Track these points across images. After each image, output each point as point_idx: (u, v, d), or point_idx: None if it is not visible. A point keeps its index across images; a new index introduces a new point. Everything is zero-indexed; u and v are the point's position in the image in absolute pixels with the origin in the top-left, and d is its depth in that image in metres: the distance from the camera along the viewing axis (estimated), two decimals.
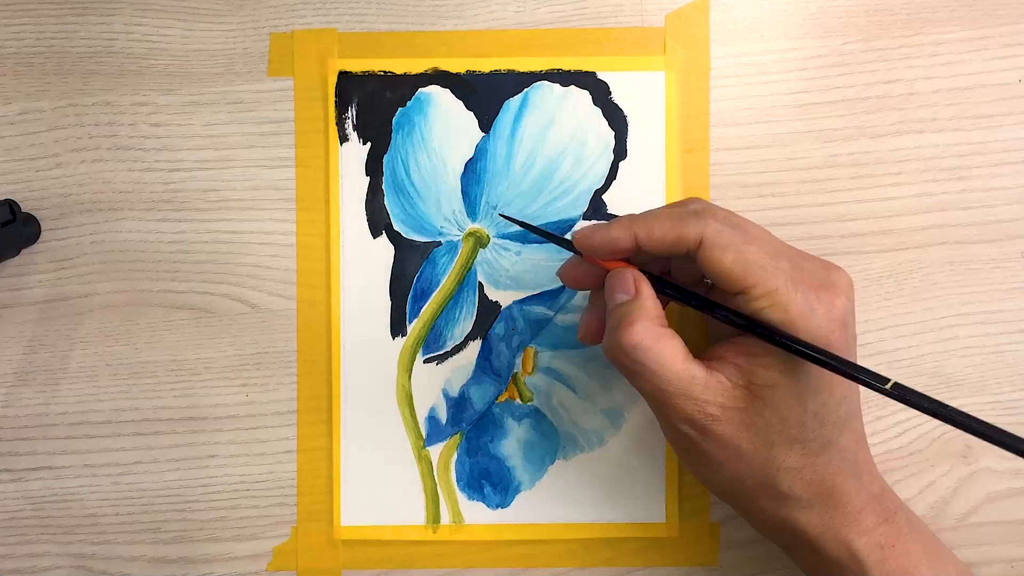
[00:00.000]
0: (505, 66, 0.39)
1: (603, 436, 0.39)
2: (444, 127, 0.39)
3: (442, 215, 0.40)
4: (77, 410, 0.40)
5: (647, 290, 0.31)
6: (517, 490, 0.40)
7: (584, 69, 0.39)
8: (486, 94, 0.39)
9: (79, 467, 0.40)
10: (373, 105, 0.40)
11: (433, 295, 0.40)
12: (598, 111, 0.39)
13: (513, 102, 0.39)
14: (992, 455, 0.39)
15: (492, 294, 0.40)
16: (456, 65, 0.39)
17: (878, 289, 0.39)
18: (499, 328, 0.40)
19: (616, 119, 0.39)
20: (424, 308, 0.40)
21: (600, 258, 0.33)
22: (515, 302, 0.39)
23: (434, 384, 0.40)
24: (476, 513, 0.40)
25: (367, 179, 0.40)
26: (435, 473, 0.40)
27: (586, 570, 0.40)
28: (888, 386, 0.28)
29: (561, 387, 0.39)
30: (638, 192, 0.39)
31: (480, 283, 0.40)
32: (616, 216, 0.39)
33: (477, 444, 0.40)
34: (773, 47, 0.40)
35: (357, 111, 0.40)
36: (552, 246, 0.39)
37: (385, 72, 0.40)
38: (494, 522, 0.39)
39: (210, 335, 0.40)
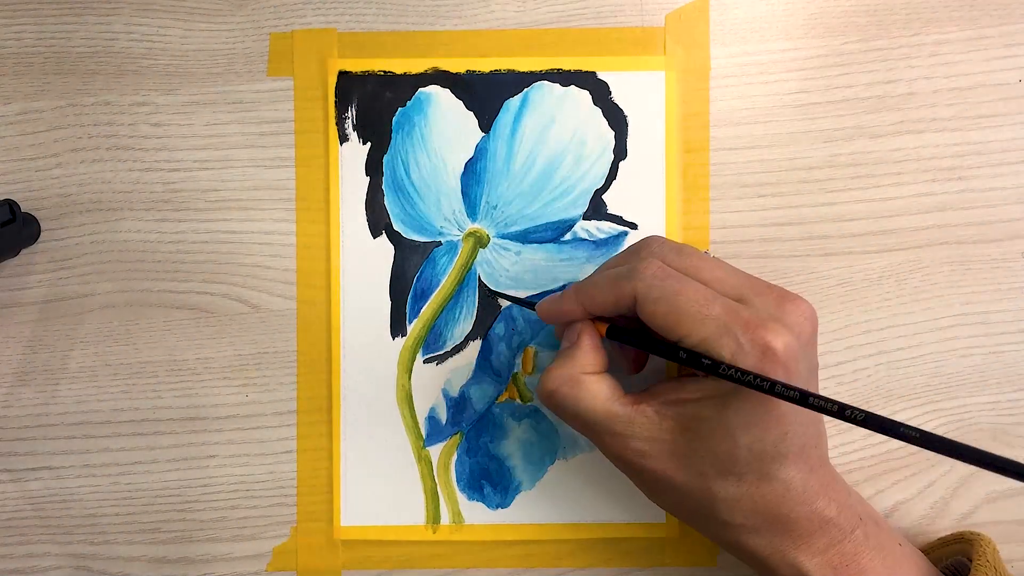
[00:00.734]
0: (505, 66, 0.39)
1: None
2: (444, 127, 0.39)
3: (442, 215, 0.40)
4: (77, 410, 0.40)
5: (586, 341, 0.33)
6: (517, 490, 0.40)
7: (584, 69, 0.39)
8: (486, 94, 0.39)
9: (79, 467, 0.40)
10: (373, 105, 0.40)
11: (433, 295, 0.40)
12: (598, 111, 0.39)
13: (513, 102, 0.39)
14: None
15: (492, 294, 0.40)
16: (456, 65, 0.39)
17: (878, 289, 0.39)
18: (499, 328, 0.40)
19: (616, 119, 0.39)
20: (424, 308, 0.40)
21: (556, 323, 0.35)
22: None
23: (434, 384, 0.40)
24: (476, 513, 0.40)
25: (367, 179, 0.40)
26: (435, 473, 0.40)
27: (586, 570, 0.40)
28: (836, 410, 0.28)
29: None
30: (638, 192, 0.39)
31: (480, 283, 0.40)
32: (616, 216, 0.39)
33: (477, 444, 0.40)
34: (773, 47, 0.40)
35: (357, 111, 0.40)
36: (553, 246, 0.39)
37: (385, 72, 0.40)
38: (494, 522, 0.39)
39: (210, 335, 0.40)
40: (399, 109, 0.40)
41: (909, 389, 0.39)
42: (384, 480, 0.40)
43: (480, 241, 0.40)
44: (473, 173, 0.39)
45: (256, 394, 0.40)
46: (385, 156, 0.40)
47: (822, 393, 0.30)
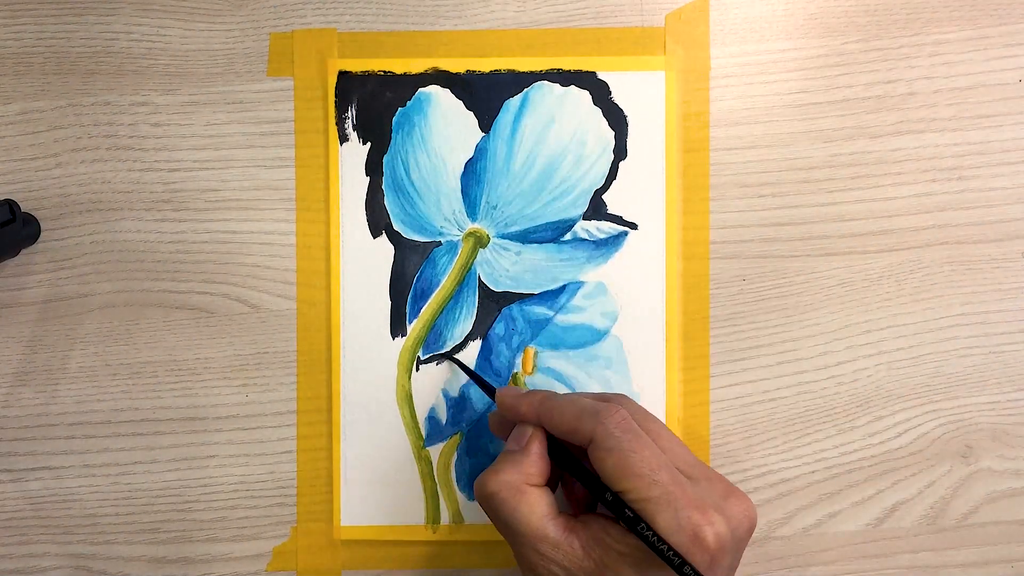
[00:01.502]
0: (505, 66, 0.39)
1: None
2: (444, 127, 0.39)
3: (442, 215, 0.40)
4: (77, 410, 0.40)
5: (536, 449, 0.33)
6: None
7: (584, 69, 0.39)
8: (486, 94, 0.39)
9: (79, 467, 0.40)
10: (373, 105, 0.40)
11: (433, 295, 0.40)
12: (598, 111, 0.39)
13: (513, 102, 0.39)
14: (992, 455, 0.39)
15: (492, 294, 0.40)
16: (456, 65, 0.39)
17: (878, 289, 0.39)
18: (499, 328, 0.40)
19: (616, 119, 0.39)
20: (424, 308, 0.40)
21: (507, 416, 0.35)
22: (515, 302, 0.39)
23: (434, 384, 0.40)
24: (476, 513, 0.40)
25: (367, 179, 0.40)
26: (435, 473, 0.40)
27: None
28: None
29: (561, 387, 0.39)
30: (638, 192, 0.39)
31: (480, 283, 0.39)
32: (616, 216, 0.39)
33: (477, 444, 0.40)
34: (773, 47, 0.40)
35: (357, 111, 0.40)
36: (553, 246, 0.39)
37: (385, 72, 0.40)
38: None
39: (210, 335, 0.40)
40: (399, 109, 0.40)
41: (909, 389, 0.39)
42: (384, 480, 0.40)
43: (480, 241, 0.40)
44: (473, 173, 0.39)
45: (256, 394, 0.40)
46: (385, 156, 0.40)
47: None
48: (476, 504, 0.39)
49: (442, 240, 0.40)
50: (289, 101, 0.40)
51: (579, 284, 0.39)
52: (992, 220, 0.39)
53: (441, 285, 0.40)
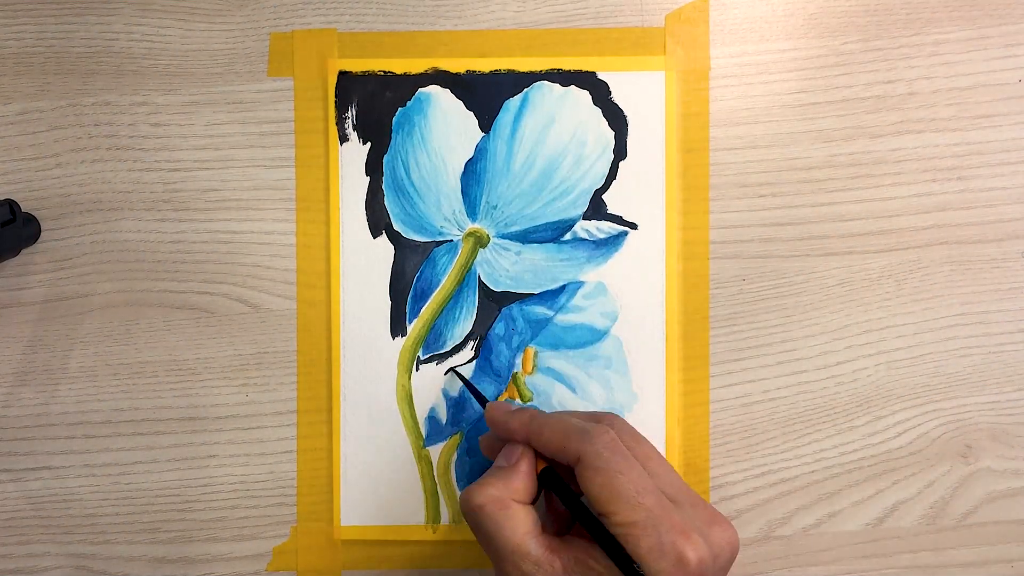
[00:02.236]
0: (505, 66, 0.39)
1: None
2: (444, 127, 0.39)
3: (442, 215, 0.40)
4: (77, 410, 0.40)
5: (525, 467, 0.33)
6: None
7: (584, 69, 0.39)
8: (486, 94, 0.39)
9: (79, 467, 0.40)
10: (373, 105, 0.40)
11: (433, 295, 0.40)
12: (598, 111, 0.39)
13: (513, 102, 0.39)
14: (992, 455, 0.39)
15: (492, 294, 0.40)
16: (456, 65, 0.39)
17: (878, 289, 0.39)
18: (499, 328, 0.40)
19: (616, 119, 0.39)
20: (424, 308, 0.40)
21: (496, 432, 0.35)
22: (515, 302, 0.39)
23: (434, 384, 0.40)
24: None
25: (367, 179, 0.40)
26: (435, 473, 0.40)
27: None
28: None
29: (561, 387, 0.39)
30: (638, 192, 0.39)
31: (480, 283, 0.40)
32: (616, 216, 0.39)
33: (477, 444, 0.40)
34: (773, 47, 0.40)
35: (357, 111, 0.40)
36: (553, 246, 0.39)
37: (385, 72, 0.40)
38: None
39: (210, 335, 0.40)
40: (399, 109, 0.40)
41: (909, 389, 0.39)
42: (384, 480, 0.40)
43: (480, 241, 0.40)
44: (473, 173, 0.39)
45: (256, 394, 0.40)
46: (385, 156, 0.40)
47: None
48: None
49: (442, 240, 0.40)
50: (289, 101, 0.40)
51: (579, 284, 0.39)
52: (992, 220, 0.39)
53: (441, 285, 0.40)
